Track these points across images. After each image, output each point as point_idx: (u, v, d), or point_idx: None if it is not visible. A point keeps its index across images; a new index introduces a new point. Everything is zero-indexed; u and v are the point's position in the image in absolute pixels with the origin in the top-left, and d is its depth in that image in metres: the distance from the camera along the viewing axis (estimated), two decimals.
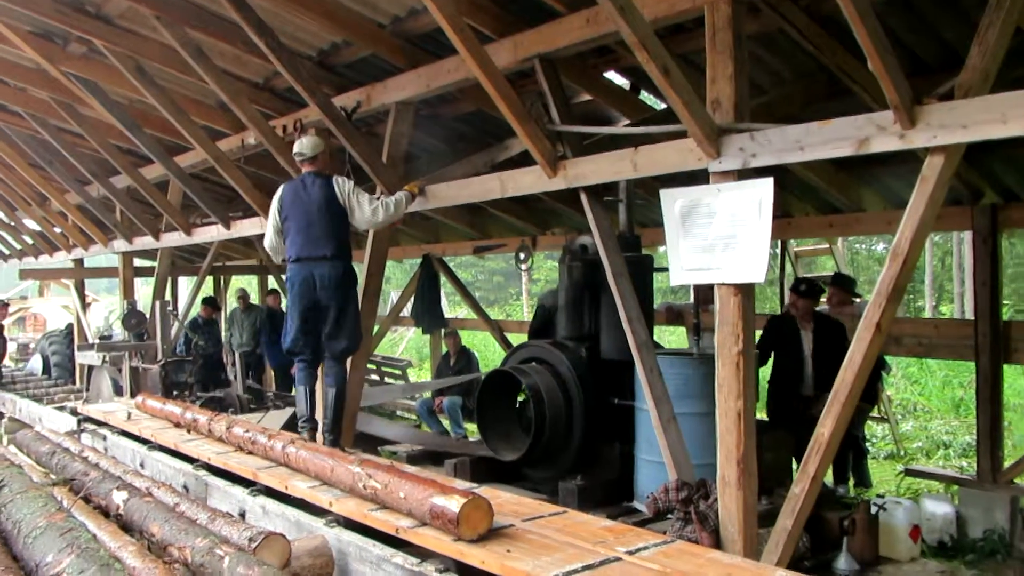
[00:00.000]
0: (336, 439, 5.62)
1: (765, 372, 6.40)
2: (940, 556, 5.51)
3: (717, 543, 3.90)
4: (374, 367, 13.38)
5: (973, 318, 6.60)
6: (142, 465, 6.03)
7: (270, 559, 3.34)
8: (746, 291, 3.94)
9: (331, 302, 5.49)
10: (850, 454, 6.87)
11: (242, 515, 4.61)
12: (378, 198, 5.70)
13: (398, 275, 28.22)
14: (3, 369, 12.61)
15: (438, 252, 11.12)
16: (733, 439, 3.89)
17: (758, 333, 5.19)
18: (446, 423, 9.89)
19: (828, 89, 5.31)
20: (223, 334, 11.87)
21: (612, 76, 6.11)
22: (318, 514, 4.28)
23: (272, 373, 12.03)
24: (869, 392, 5.86)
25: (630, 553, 3.27)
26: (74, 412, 8.14)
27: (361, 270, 6.50)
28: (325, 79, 6.34)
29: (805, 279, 6.74)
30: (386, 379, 13.46)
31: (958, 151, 3.40)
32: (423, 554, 3.56)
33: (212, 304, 12.32)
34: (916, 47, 4.84)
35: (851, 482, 6.94)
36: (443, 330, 11.37)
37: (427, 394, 10.47)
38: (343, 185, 5.53)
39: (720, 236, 3.98)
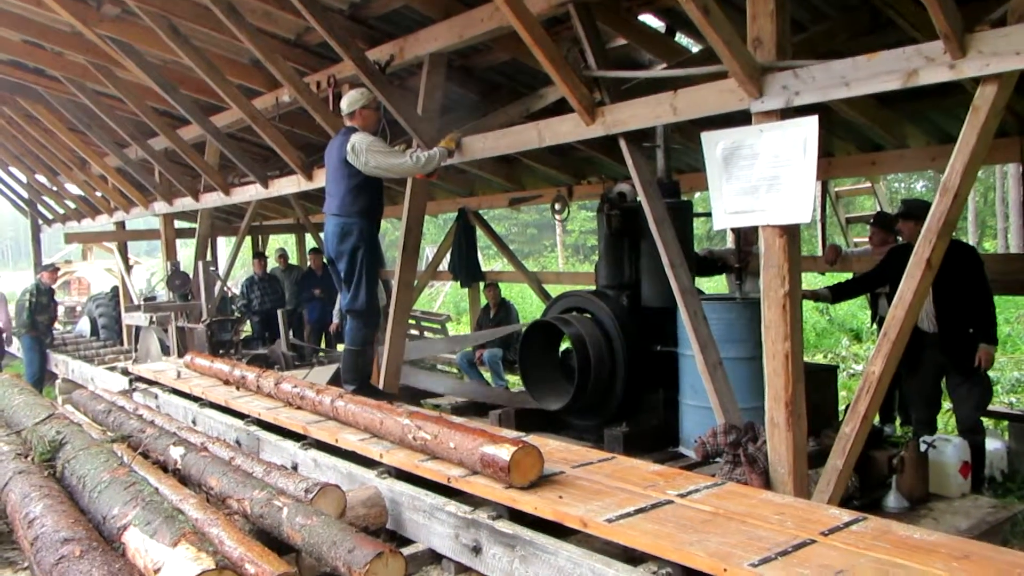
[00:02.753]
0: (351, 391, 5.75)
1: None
2: (991, 492, 5.49)
3: (767, 484, 3.92)
4: (413, 322, 13.49)
5: (1021, 252, 6.47)
6: (194, 422, 6.18)
7: (327, 509, 3.42)
8: (791, 232, 3.89)
9: (335, 259, 5.72)
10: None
11: (294, 468, 4.72)
12: (412, 150, 5.75)
13: (432, 230, 28.31)
14: (53, 332, 12.91)
15: (473, 205, 11.11)
16: (781, 381, 3.87)
17: (804, 276, 5.06)
18: (487, 375, 9.98)
19: (870, 22, 5.18)
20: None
21: (647, 19, 5.99)
22: (369, 466, 4.37)
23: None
24: (991, 331, 5.51)
25: (681, 496, 3.29)
26: (125, 372, 8.34)
27: (399, 226, 6.56)
28: (358, 32, 6.29)
29: (908, 201, 6.37)
30: (425, 334, 13.57)
31: (1012, 79, 3.29)
32: (475, 502, 3.62)
33: (262, 257, 12.53)
34: None
35: (898, 421, 6.90)
36: (482, 283, 11.42)
37: (468, 347, 10.56)
38: (359, 141, 5.54)
39: (764, 177, 3.91)
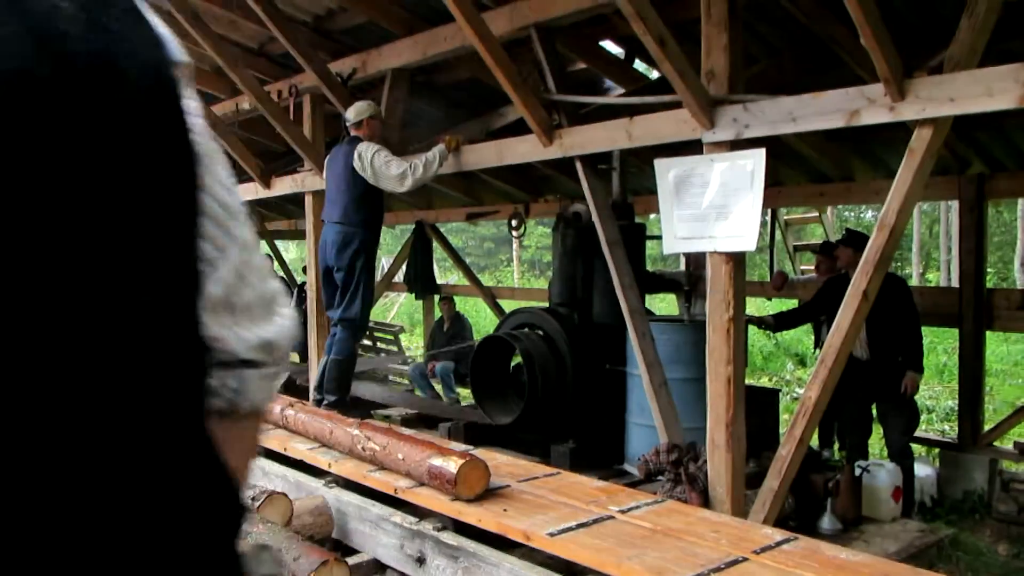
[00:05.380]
0: (322, 401, 5.77)
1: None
2: (921, 516, 5.68)
3: (706, 503, 4.03)
4: (367, 333, 13.48)
5: (958, 285, 6.74)
6: None
7: (273, 517, 3.45)
8: (737, 259, 4.03)
9: (334, 267, 5.69)
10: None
11: None
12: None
13: (389, 241, 28.24)
14: None
15: (431, 218, 11.17)
16: (723, 404, 4.00)
17: (749, 301, 5.22)
18: (438, 387, 10.01)
19: (820, 59, 5.37)
20: None
21: (607, 45, 6.14)
22: (317, 475, 4.40)
23: None
24: (918, 359, 5.80)
25: (623, 512, 3.39)
26: None
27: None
28: (321, 44, 6.34)
29: (850, 231, 6.57)
30: (378, 344, 13.56)
31: (946, 124, 3.47)
32: (421, 513, 3.68)
33: None
34: (907, 14, 4.90)
35: (836, 446, 7.10)
36: (437, 296, 11.46)
37: (420, 358, 10.58)
38: (366, 151, 5.57)
39: (713, 205, 4.05)
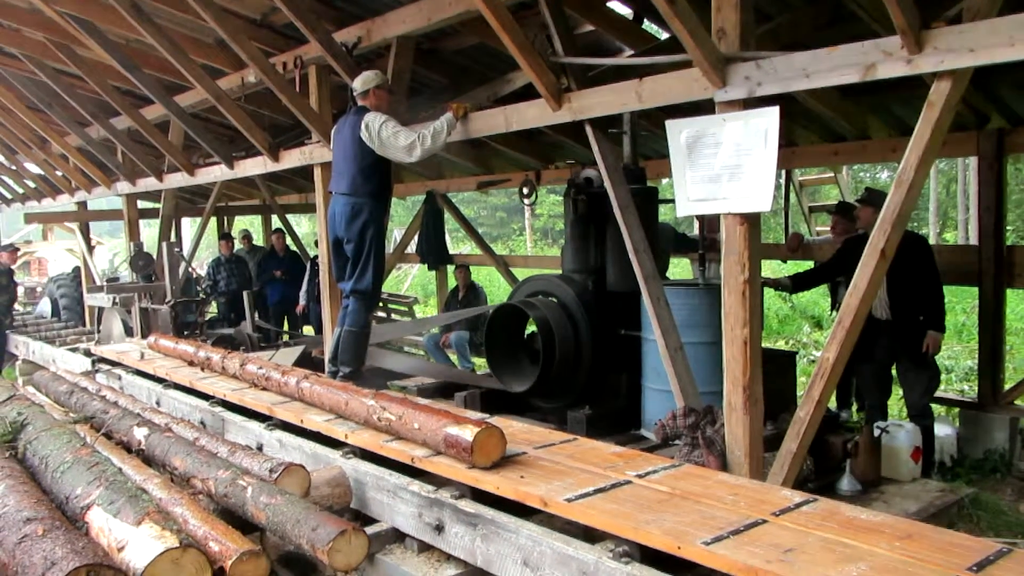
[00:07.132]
0: (337, 373, 5.77)
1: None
2: (940, 476, 5.65)
3: (724, 466, 4.01)
4: (381, 304, 13.48)
5: (977, 243, 6.64)
6: (158, 403, 6.16)
7: (291, 488, 3.45)
8: (752, 220, 3.97)
9: (344, 239, 5.66)
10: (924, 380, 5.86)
11: (259, 448, 4.74)
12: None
13: (400, 213, 28.19)
14: (13, 313, 12.72)
15: (441, 188, 11.11)
16: (739, 366, 3.96)
17: (764, 263, 5.17)
18: (453, 357, 10.02)
19: (834, 14, 5.25)
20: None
21: (615, 6, 6.03)
22: (334, 446, 4.40)
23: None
24: (939, 318, 5.73)
25: (640, 476, 3.37)
26: (88, 353, 8.27)
27: None
28: (325, 14, 6.26)
29: (871, 190, 6.47)
30: (393, 316, 13.57)
31: (965, 76, 3.38)
32: (438, 482, 3.67)
33: (228, 238, 12.46)
34: None
35: (854, 407, 7.06)
36: (452, 265, 11.44)
37: (435, 329, 10.58)
38: (373, 121, 5.50)
39: (726, 166, 3.98)
